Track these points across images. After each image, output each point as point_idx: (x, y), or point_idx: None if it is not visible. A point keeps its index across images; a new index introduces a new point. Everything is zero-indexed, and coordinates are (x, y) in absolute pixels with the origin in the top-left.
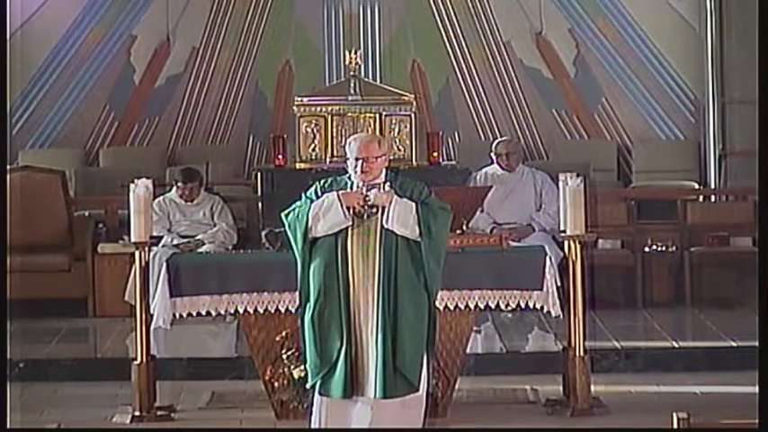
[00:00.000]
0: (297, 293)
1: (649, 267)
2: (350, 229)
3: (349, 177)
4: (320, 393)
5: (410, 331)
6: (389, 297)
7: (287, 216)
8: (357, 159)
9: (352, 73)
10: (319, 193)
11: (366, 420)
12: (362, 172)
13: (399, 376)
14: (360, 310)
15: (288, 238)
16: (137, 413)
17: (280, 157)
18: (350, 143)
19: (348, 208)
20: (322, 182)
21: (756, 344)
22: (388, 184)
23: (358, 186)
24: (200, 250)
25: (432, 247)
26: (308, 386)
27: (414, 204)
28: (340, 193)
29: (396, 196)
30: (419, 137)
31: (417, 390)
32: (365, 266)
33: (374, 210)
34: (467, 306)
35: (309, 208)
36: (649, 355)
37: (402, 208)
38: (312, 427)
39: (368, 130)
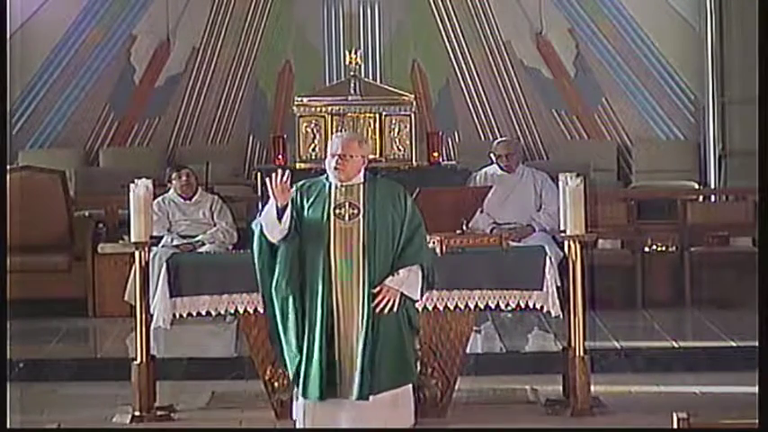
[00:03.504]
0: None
1: (649, 267)
2: (332, 230)
3: (326, 178)
4: (302, 395)
5: (397, 328)
6: (374, 298)
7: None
8: (333, 156)
9: (352, 73)
10: (295, 196)
11: (350, 422)
12: (335, 169)
13: (393, 372)
14: (342, 311)
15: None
16: (137, 413)
17: (280, 157)
18: (332, 139)
19: (285, 206)
20: (299, 184)
21: (756, 344)
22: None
23: (336, 185)
24: (200, 250)
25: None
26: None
27: (418, 272)
28: (271, 188)
29: (397, 278)
30: (419, 137)
31: (412, 380)
32: (348, 268)
33: (355, 211)
34: (467, 306)
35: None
36: (649, 355)
37: (405, 282)
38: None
39: (368, 131)
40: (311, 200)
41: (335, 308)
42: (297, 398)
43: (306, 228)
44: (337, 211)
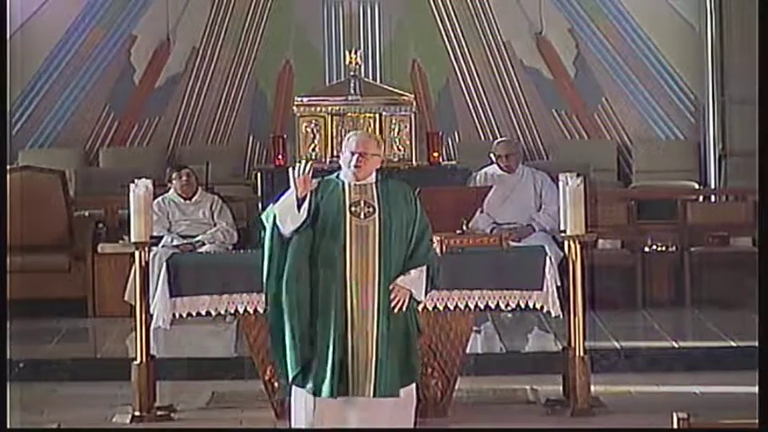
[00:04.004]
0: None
1: (649, 267)
2: (348, 228)
3: (337, 176)
4: (313, 394)
5: (405, 327)
6: (388, 296)
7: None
8: (353, 153)
9: (352, 73)
10: (315, 189)
11: (357, 421)
12: (356, 166)
13: (400, 371)
14: (356, 309)
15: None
16: (137, 413)
17: (280, 157)
18: (348, 137)
19: (304, 197)
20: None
21: (756, 344)
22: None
23: (350, 184)
24: (200, 250)
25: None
26: (290, 380)
27: (424, 271)
28: (294, 179)
29: (409, 277)
30: (419, 137)
31: (416, 380)
32: (364, 266)
33: (371, 210)
34: (467, 306)
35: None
36: (649, 355)
37: (416, 282)
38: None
39: (368, 131)
40: (325, 197)
41: (349, 305)
42: (295, 396)
43: (320, 224)
44: (353, 208)
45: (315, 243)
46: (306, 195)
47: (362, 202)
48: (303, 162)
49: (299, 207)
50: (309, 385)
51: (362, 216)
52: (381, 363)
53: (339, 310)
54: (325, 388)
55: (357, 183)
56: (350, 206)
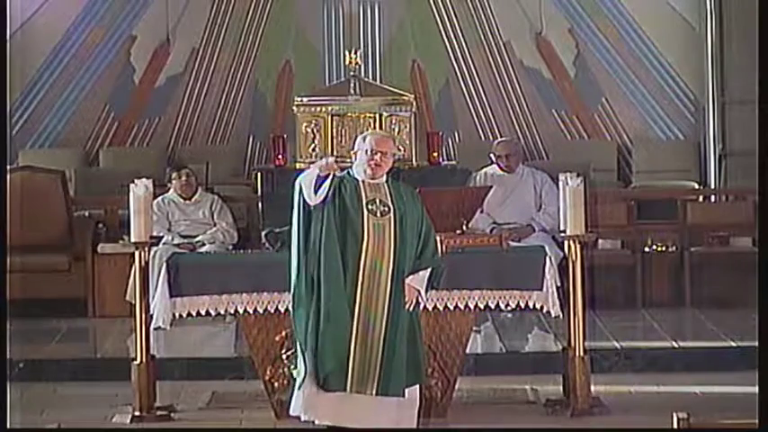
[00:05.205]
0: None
1: (649, 267)
2: (366, 225)
3: (348, 173)
4: (321, 387)
5: (411, 327)
6: (400, 295)
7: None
8: (375, 152)
9: (352, 73)
10: (335, 181)
11: (362, 417)
12: (377, 165)
13: (407, 371)
14: (366, 306)
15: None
16: (137, 413)
17: (280, 157)
18: (365, 137)
19: (326, 176)
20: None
21: (756, 344)
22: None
23: (364, 182)
24: (200, 250)
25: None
26: (300, 375)
27: (427, 272)
28: (320, 164)
29: (418, 278)
30: (419, 137)
31: (422, 382)
32: (378, 263)
33: (386, 208)
34: (467, 306)
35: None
36: (649, 355)
37: (424, 283)
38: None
39: (368, 131)
40: (346, 188)
41: (358, 301)
42: (303, 390)
43: (338, 217)
44: (369, 206)
45: (336, 235)
46: (327, 175)
47: (377, 201)
48: (332, 157)
49: (318, 187)
50: (321, 379)
51: (379, 214)
52: (389, 361)
53: (350, 306)
54: (333, 381)
55: (371, 181)
56: (366, 203)
